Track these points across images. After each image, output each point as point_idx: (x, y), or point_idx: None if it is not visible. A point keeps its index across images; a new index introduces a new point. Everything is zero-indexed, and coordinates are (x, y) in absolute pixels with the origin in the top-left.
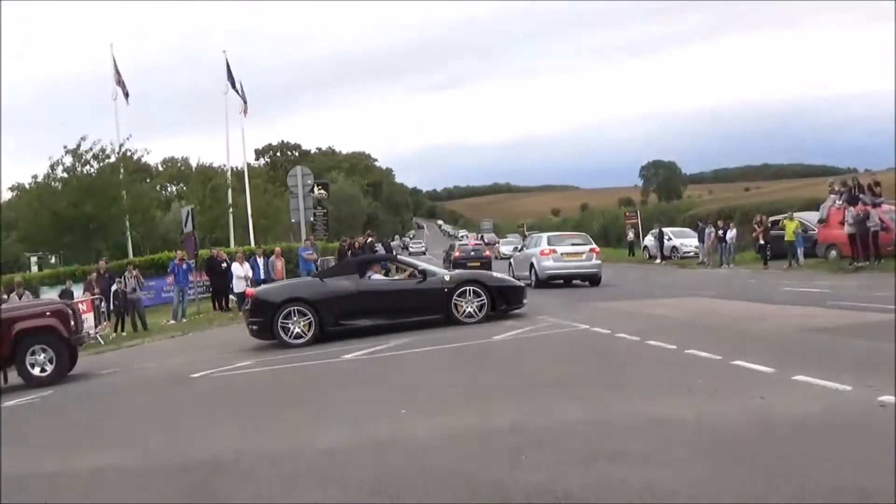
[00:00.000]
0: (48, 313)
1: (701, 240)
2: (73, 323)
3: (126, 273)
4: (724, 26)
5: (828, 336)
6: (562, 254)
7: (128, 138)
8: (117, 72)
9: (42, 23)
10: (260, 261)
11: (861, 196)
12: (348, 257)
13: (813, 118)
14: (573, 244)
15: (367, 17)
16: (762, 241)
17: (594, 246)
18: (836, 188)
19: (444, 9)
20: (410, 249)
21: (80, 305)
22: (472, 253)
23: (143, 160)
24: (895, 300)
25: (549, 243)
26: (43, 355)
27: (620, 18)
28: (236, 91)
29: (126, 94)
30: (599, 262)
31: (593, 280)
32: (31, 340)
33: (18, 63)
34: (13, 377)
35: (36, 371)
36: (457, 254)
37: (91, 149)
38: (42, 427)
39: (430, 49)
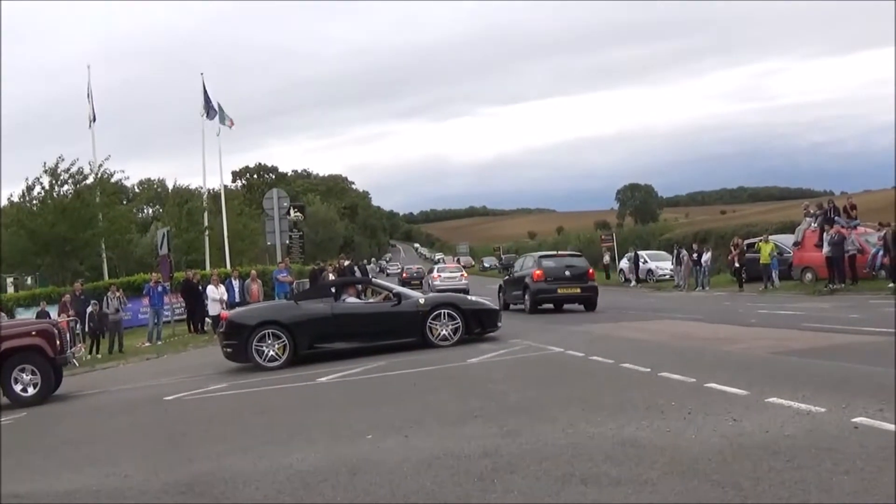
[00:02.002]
0: (34, 332)
1: (677, 262)
2: (58, 343)
3: (109, 294)
4: (699, 51)
5: (802, 358)
6: (444, 277)
7: (106, 159)
8: (90, 94)
9: (19, 43)
10: (235, 283)
11: (836, 218)
12: (321, 281)
13: (789, 142)
14: (450, 271)
15: (344, 41)
16: (738, 264)
17: (464, 273)
18: (812, 211)
19: (421, 34)
20: (388, 272)
21: None
22: (415, 273)
23: (120, 182)
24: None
25: (437, 271)
26: (28, 375)
27: (596, 43)
28: (209, 114)
29: (93, 118)
30: (467, 281)
31: (464, 291)
32: (17, 360)
33: None
34: None
35: (22, 391)
36: (404, 275)
37: (69, 169)
38: (15, 448)
39: (407, 74)
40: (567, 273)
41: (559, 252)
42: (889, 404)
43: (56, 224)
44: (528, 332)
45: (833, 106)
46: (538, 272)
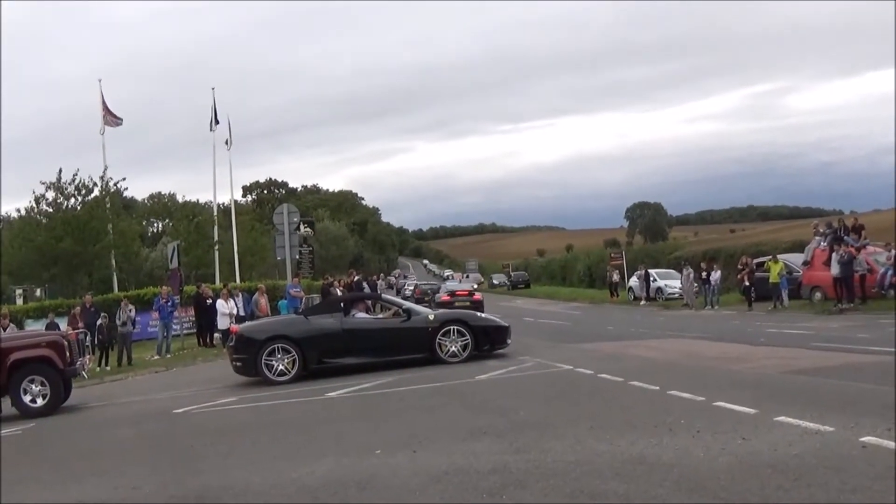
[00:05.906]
0: (43, 344)
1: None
2: (67, 354)
3: (122, 304)
4: (707, 71)
5: (811, 377)
6: (411, 289)
7: (106, 169)
8: (104, 106)
9: (28, 55)
10: (238, 298)
11: (846, 237)
12: (332, 295)
13: (798, 161)
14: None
15: (355, 59)
16: (747, 283)
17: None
18: (821, 230)
19: (429, 54)
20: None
21: None
22: (402, 284)
23: (129, 195)
24: None
25: (407, 284)
26: (37, 386)
27: (605, 63)
28: (211, 129)
29: (107, 125)
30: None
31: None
32: (26, 371)
33: (5, 96)
34: (6, 407)
35: (31, 402)
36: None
37: (74, 181)
38: (24, 459)
39: (416, 92)
40: None
41: None
42: None
43: (63, 238)
44: (538, 350)
45: (841, 125)
46: None
